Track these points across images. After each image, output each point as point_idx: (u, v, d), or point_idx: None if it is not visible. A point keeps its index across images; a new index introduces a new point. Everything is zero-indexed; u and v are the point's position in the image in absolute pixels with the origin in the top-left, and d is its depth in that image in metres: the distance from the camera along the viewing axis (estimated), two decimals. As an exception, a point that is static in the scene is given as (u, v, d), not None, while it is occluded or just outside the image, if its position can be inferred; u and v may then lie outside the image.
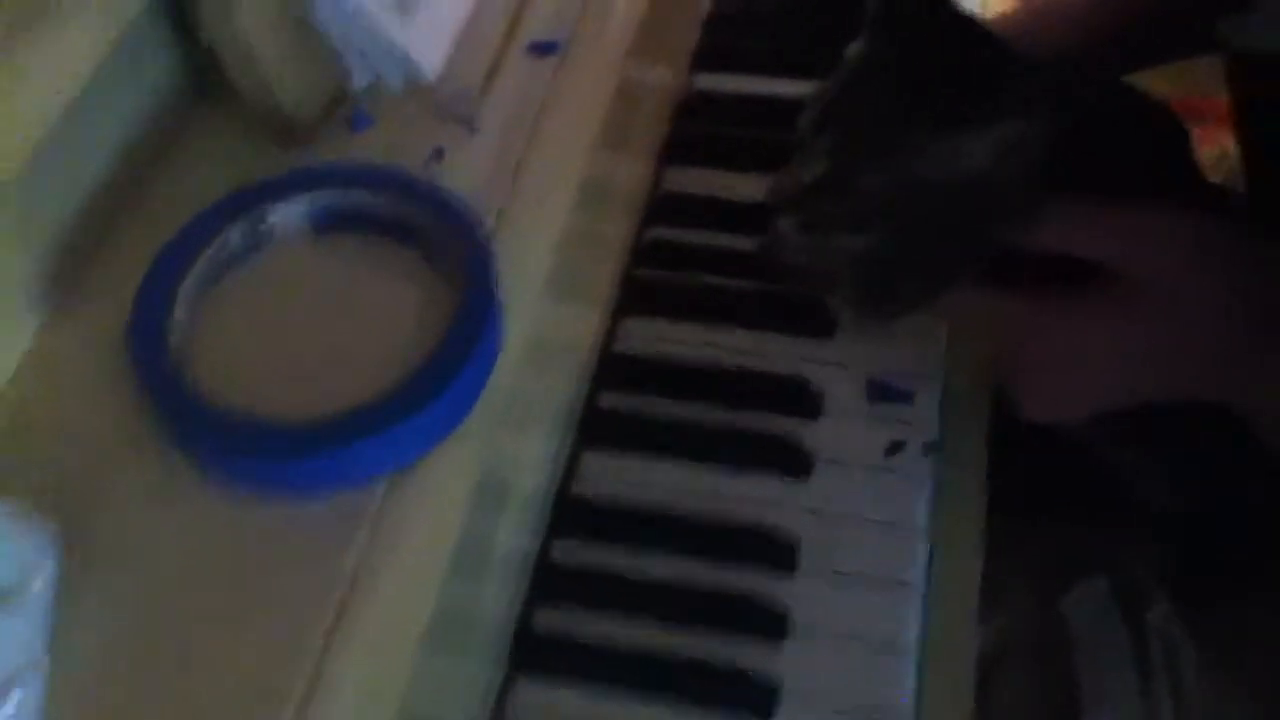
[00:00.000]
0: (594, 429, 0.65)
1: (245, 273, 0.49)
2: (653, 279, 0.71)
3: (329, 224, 0.51)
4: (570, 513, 0.62)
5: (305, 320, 0.49)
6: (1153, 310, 0.53)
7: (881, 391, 0.65)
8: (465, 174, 0.53)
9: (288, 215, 0.50)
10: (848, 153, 0.52)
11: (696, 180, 0.74)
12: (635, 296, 0.70)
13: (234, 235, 0.49)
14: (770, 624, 0.57)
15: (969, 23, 0.55)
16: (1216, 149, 0.92)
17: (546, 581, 0.59)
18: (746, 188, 0.73)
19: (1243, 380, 0.54)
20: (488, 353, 0.47)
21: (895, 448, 0.64)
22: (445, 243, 0.49)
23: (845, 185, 0.52)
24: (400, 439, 0.45)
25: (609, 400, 0.66)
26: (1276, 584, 0.66)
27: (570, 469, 0.64)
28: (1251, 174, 0.67)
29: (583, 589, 0.60)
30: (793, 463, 0.63)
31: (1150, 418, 0.59)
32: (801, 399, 0.65)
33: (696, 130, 0.76)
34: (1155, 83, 0.72)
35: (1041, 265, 0.54)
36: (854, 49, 0.55)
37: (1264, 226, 0.64)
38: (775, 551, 0.60)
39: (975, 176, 0.50)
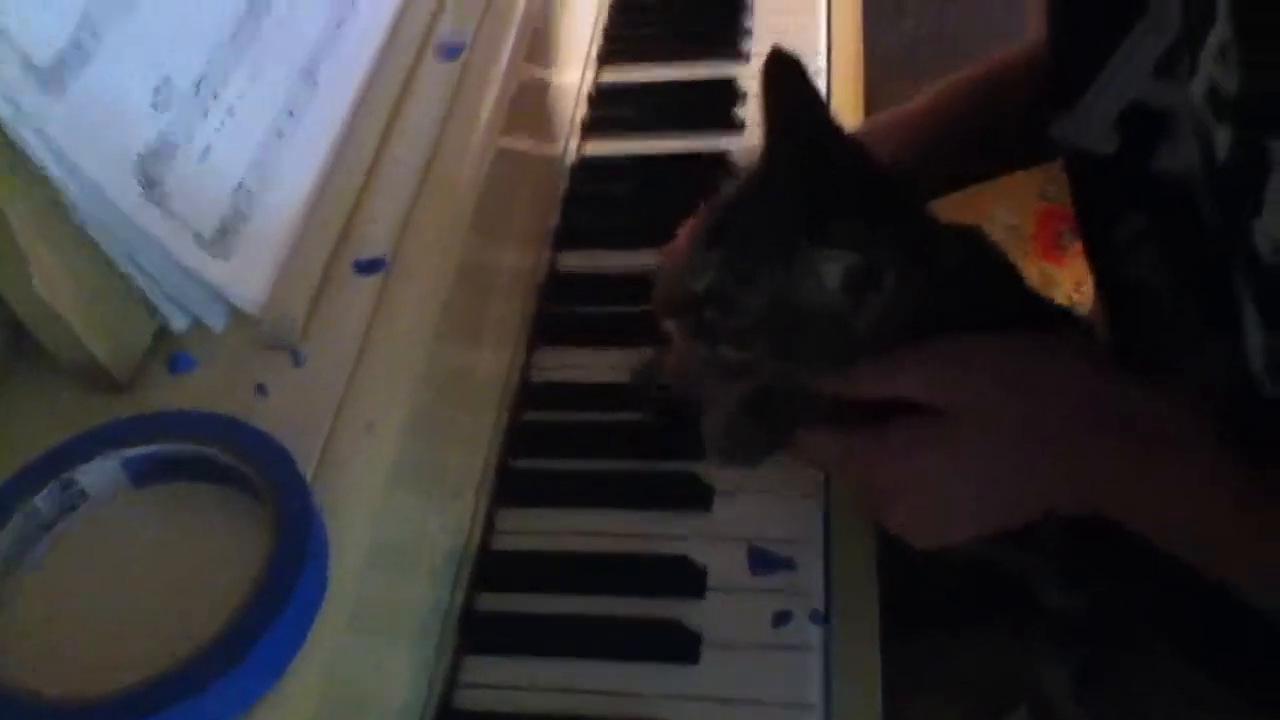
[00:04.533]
0: (473, 633, 0.63)
1: (58, 540, 0.48)
2: (527, 467, 0.70)
3: (146, 476, 0.49)
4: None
5: (121, 582, 0.47)
6: (975, 437, 0.53)
7: (763, 560, 0.64)
8: (291, 406, 0.52)
9: (100, 474, 0.48)
10: (733, 268, 0.53)
11: (567, 360, 0.74)
12: (512, 487, 0.69)
13: (42, 502, 0.47)
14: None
15: (856, 150, 0.57)
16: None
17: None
18: (614, 364, 0.73)
19: (1099, 493, 0.53)
20: (308, 595, 0.46)
21: (782, 619, 0.62)
22: (264, 484, 0.48)
23: (730, 300, 0.53)
24: (217, 697, 0.43)
25: (489, 601, 0.65)
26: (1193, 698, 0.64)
27: (452, 677, 0.61)
28: (1097, 274, 0.67)
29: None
30: (680, 649, 0.61)
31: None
32: (685, 579, 0.64)
33: (561, 310, 0.76)
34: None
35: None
36: (749, 165, 0.56)
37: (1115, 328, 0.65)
38: (668, 747, 0.58)
39: (827, 306, 0.51)
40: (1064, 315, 0.65)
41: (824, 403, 0.56)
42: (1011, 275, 0.61)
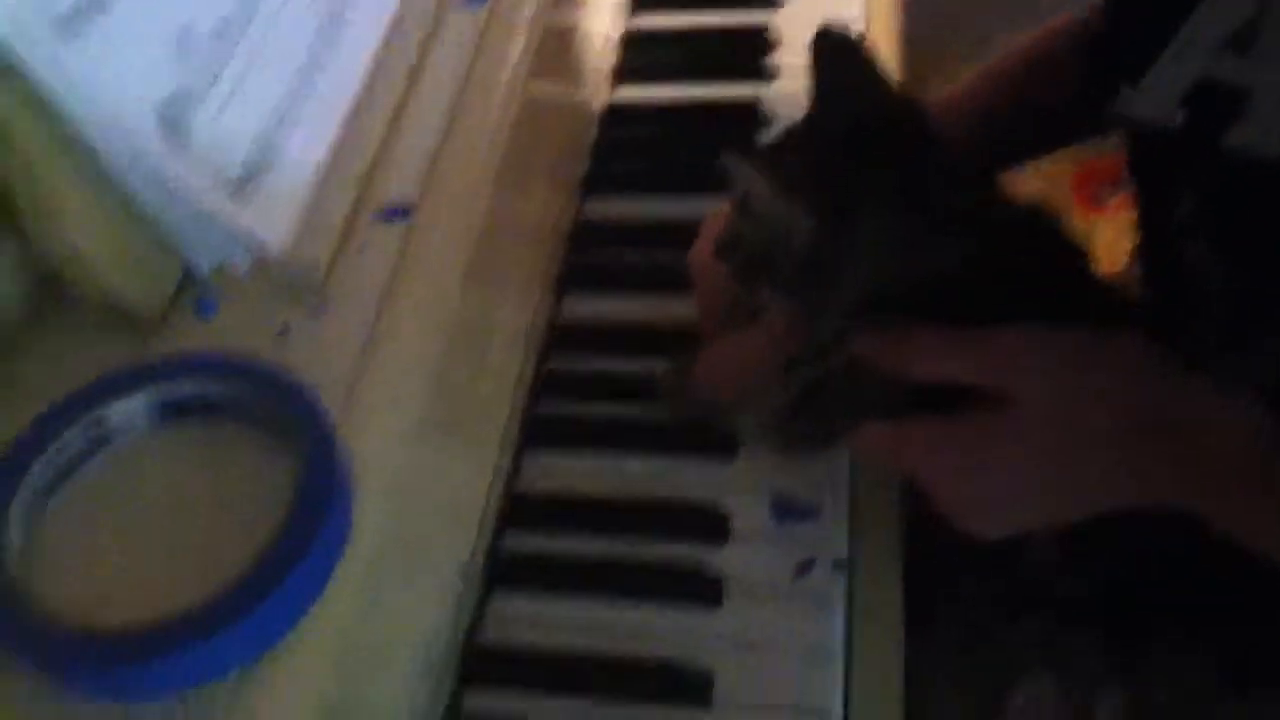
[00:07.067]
0: (500, 573, 0.64)
1: (87, 476, 0.49)
2: (553, 413, 0.70)
3: (171, 416, 0.50)
4: (479, 662, 0.61)
5: (147, 518, 0.48)
6: (1041, 430, 0.52)
7: (787, 510, 0.64)
8: (313, 350, 0.53)
9: (127, 412, 0.49)
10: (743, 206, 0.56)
11: (595, 308, 0.74)
12: (537, 432, 0.69)
13: (72, 439, 0.48)
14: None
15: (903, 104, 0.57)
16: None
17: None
18: (642, 311, 0.73)
19: (1161, 490, 0.53)
20: (332, 536, 0.46)
21: (805, 567, 0.62)
22: (287, 425, 0.48)
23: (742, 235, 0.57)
24: (241, 635, 0.44)
25: (514, 542, 0.65)
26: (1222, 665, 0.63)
27: (478, 615, 0.62)
28: (1147, 257, 0.65)
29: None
30: (703, 592, 0.62)
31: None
32: (709, 525, 0.64)
33: (590, 258, 0.76)
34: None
35: (935, 391, 0.54)
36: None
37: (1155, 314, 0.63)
38: (689, 686, 0.59)
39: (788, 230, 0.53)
40: (1124, 305, 0.64)
41: (880, 394, 0.56)
42: (1077, 262, 0.60)
